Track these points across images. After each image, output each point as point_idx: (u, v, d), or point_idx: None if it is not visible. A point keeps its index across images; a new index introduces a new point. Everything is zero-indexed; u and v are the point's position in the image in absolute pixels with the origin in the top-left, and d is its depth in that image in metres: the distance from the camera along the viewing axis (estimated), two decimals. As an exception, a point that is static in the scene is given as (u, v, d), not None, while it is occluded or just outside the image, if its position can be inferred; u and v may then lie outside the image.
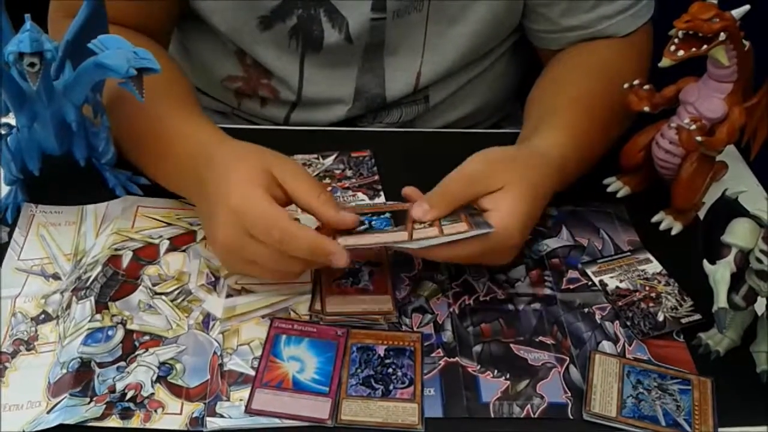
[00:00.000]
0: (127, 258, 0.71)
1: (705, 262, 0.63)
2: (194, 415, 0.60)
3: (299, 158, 0.83)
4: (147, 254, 0.71)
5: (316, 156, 0.84)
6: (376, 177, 0.82)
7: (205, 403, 0.60)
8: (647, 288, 0.71)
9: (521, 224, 0.66)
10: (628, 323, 0.68)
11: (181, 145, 0.72)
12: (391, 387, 0.62)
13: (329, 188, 0.80)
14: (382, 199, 0.79)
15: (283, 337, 0.65)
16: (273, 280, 0.68)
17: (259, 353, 0.64)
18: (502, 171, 0.67)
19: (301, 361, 0.63)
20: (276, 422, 0.60)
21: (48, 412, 0.59)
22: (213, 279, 0.70)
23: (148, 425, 0.59)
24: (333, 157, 0.84)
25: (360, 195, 0.79)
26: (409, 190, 0.70)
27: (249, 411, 0.60)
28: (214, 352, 0.64)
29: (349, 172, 0.82)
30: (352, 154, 0.84)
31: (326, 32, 0.84)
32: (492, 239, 0.64)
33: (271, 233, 0.62)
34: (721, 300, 0.61)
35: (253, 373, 0.63)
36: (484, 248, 0.65)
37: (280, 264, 0.64)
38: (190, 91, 0.80)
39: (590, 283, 0.72)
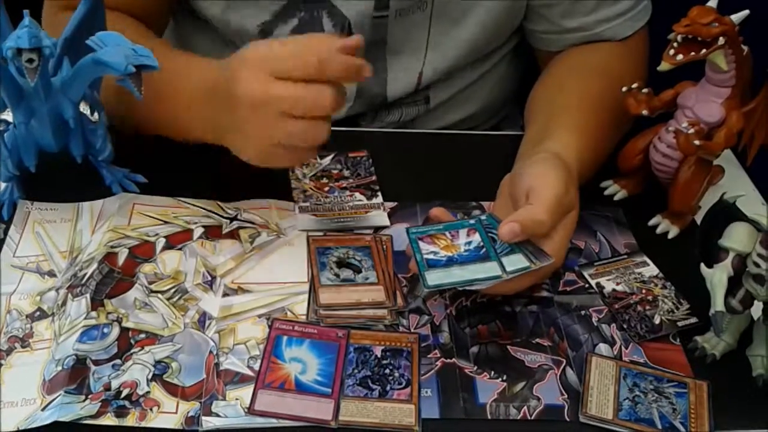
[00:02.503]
0: (123, 255, 0.70)
1: (702, 265, 0.63)
2: (190, 414, 0.59)
3: None
4: (143, 252, 0.71)
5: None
6: (374, 177, 0.81)
7: (200, 402, 0.60)
8: (644, 291, 0.71)
9: (566, 249, 0.68)
10: (625, 326, 0.68)
11: (194, 72, 0.73)
12: (388, 388, 0.62)
13: (326, 188, 0.80)
14: (379, 199, 0.79)
15: (284, 338, 0.65)
16: (307, 135, 0.66)
17: (255, 353, 0.64)
18: (573, 194, 0.68)
19: (303, 362, 0.63)
20: (273, 422, 0.59)
21: (43, 410, 0.58)
22: (209, 278, 0.70)
23: (143, 424, 0.58)
24: (330, 157, 0.84)
25: (357, 195, 0.79)
26: (437, 212, 0.69)
27: (252, 412, 0.59)
28: (210, 351, 0.64)
29: (346, 172, 0.82)
30: (349, 154, 0.84)
31: (327, 31, 0.84)
32: (546, 269, 0.65)
33: (308, 60, 0.63)
34: (718, 303, 0.62)
35: (249, 372, 0.62)
36: (537, 278, 0.67)
37: (312, 96, 0.64)
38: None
39: (587, 285, 0.72)
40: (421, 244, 0.66)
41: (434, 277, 0.63)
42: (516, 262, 0.64)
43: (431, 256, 0.65)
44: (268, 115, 0.65)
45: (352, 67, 0.65)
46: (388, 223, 0.76)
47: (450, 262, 0.65)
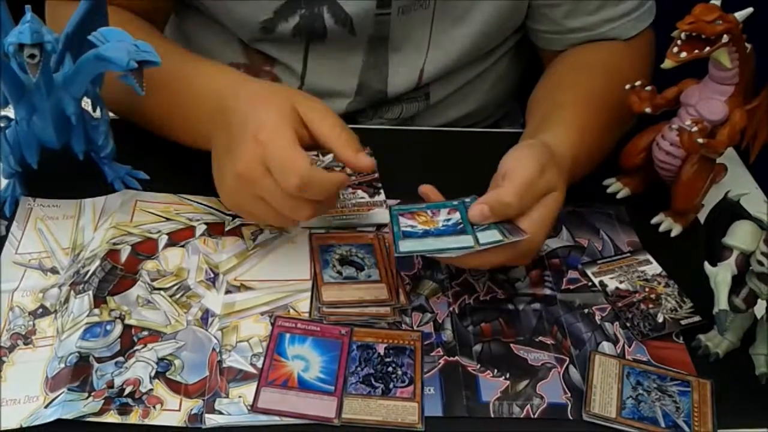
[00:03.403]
0: (125, 252, 0.70)
1: (706, 264, 0.63)
2: (193, 412, 0.59)
3: None
4: (145, 249, 0.71)
5: (315, 153, 0.83)
6: (376, 175, 0.81)
7: (203, 400, 0.60)
8: (647, 289, 0.71)
9: (548, 229, 0.67)
10: (628, 324, 0.68)
11: (202, 81, 0.72)
12: (391, 386, 0.62)
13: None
14: (381, 197, 0.79)
15: (287, 335, 0.65)
16: (274, 224, 0.67)
17: (258, 350, 0.64)
18: (551, 177, 0.67)
19: (306, 359, 0.63)
20: (275, 419, 0.59)
21: (46, 407, 0.58)
22: (212, 275, 0.70)
23: (146, 421, 0.58)
24: (332, 154, 0.83)
25: (360, 192, 0.79)
26: (426, 189, 0.69)
27: (255, 409, 0.59)
28: (213, 349, 0.64)
29: (348, 170, 0.82)
30: None
31: (329, 27, 0.84)
32: (521, 245, 0.64)
33: (290, 178, 0.62)
34: (721, 302, 0.61)
35: (252, 370, 0.62)
36: (513, 254, 0.65)
37: (289, 207, 0.64)
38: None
39: (590, 283, 0.72)
40: (401, 219, 0.67)
41: (406, 245, 0.64)
42: (490, 236, 0.64)
43: (408, 229, 0.66)
44: (248, 193, 0.65)
45: (343, 182, 0.65)
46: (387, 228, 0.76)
47: (426, 234, 0.65)
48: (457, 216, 0.66)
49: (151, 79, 0.66)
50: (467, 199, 0.68)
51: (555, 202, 0.67)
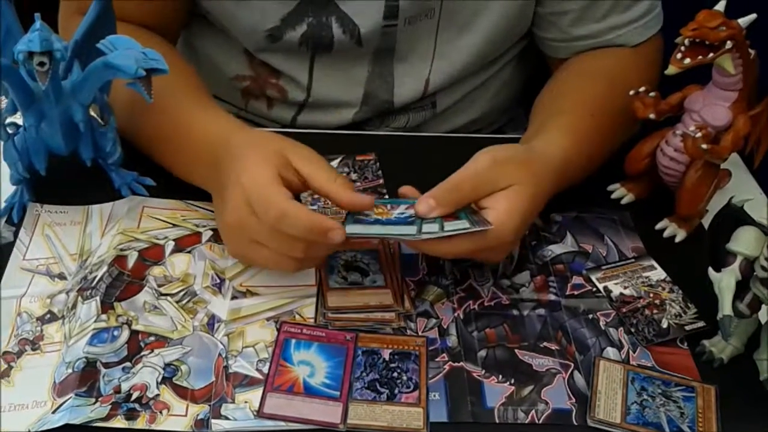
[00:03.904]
0: (132, 258, 0.71)
1: (710, 269, 0.63)
2: (199, 417, 0.60)
3: None
4: (152, 255, 0.71)
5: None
6: (381, 181, 0.82)
7: (210, 405, 0.60)
8: (651, 295, 0.71)
9: (517, 223, 0.67)
10: (632, 330, 0.68)
11: (199, 132, 0.73)
12: (396, 391, 0.62)
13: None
14: (387, 202, 0.79)
15: (293, 341, 0.65)
16: (276, 268, 0.68)
17: (264, 356, 0.64)
18: (509, 171, 0.67)
19: (311, 365, 0.64)
20: (281, 425, 0.60)
21: (53, 412, 0.59)
22: (218, 281, 0.70)
23: (153, 426, 0.59)
24: (338, 160, 0.84)
25: None
26: (406, 189, 0.70)
27: (261, 415, 0.60)
28: (219, 354, 0.64)
29: (353, 176, 0.82)
30: (357, 157, 0.84)
31: (336, 38, 0.84)
32: (488, 236, 0.65)
33: (268, 212, 0.63)
34: (725, 308, 0.62)
35: (258, 375, 0.63)
36: (479, 245, 0.66)
37: (281, 245, 0.64)
38: (204, 86, 0.81)
39: (594, 289, 0.72)
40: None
41: (352, 228, 0.64)
42: (457, 225, 0.64)
43: (361, 217, 0.66)
44: (244, 238, 0.66)
45: (316, 230, 0.64)
46: None
47: (376, 222, 0.66)
48: (412, 212, 0.67)
49: (149, 126, 0.71)
50: None
51: (518, 195, 0.67)
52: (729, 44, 0.69)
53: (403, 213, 0.67)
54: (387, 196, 0.80)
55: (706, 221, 0.75)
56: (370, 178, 0.82)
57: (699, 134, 0.72)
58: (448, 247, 0.65)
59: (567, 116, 0.78)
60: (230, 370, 0.63)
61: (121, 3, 0.71)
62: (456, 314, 0.69)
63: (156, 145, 0.77)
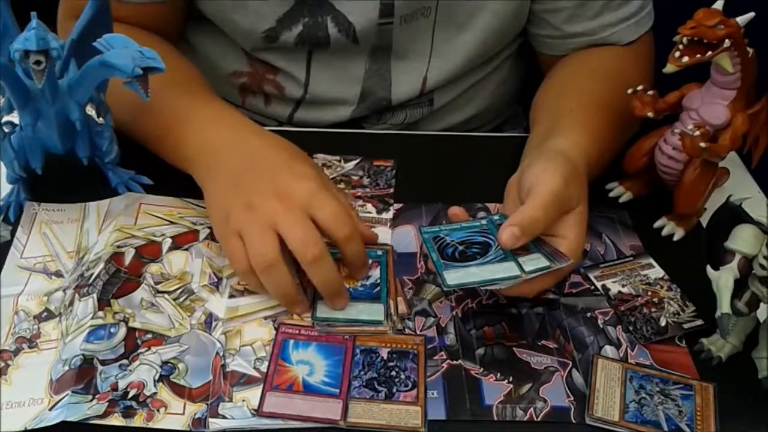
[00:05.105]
0: (129, 255, 0.70)
1: (708, 268, 0.63)
2: (197, 416, 0.59)
3: (320, 158, 0.82)
4: (149, 252, 0.71)
5: (338, 158, 0.83)
6: (392, 190, 0.79)
7: (207, 404, 0.60)
8: (649, 293, 0.71)
9: (583, 245, 0.67)
10: (631, 328, 0.68)
11: (193, 141, 0.73)
12: (394, 390, 0.62)
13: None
14: (389, 215, 0.77)
15: (291, 341, 0.65)
16: (240, 273, 0.68)
17: (261, 354, 0.64)
18: (575, 190, 0.67)
19: (310, 364, 0.63)
20: (279, 423, 0.59)
21: (50, 410, 0.59)
22: (215, 279, 0.70)
23: (150, 424, 0.59)
24: (355, 162, 0.83)
25: (369, 206, 0.78)
26: (456, 210, 0.69)
27: (261, 414, 0.60)
28: (217, 353, 0.64)
29: (366, 180, 0.81)
30: (374, 162, 0.83)
31: (332, 37, 0.84)
32: (564, 270, 0.65)
33: (258, 261, 0.64)
34: (724, 306, 0.61)
35: (256, 374, 0.62)
36: (558, 278, 0.66)
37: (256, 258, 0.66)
38: (208, 86, 0.81)
39: (593, 287, 0.72)
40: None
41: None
42: (536, 262, 0.63)
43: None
44: (230, 236, 0.67)
45: (289, 302, 0.67)
46: (389, 240, 0.74)
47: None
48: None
49: (145, 129, 0.72)
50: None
51: (582, 218, 0.67)
52: (727, 43, 0.68)
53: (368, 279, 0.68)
54: (392, 209, 0.77)
55: (705, 219, 0.75)
56: (382, 186, 0.80)
57: (697, 133, 0.72)
58: (530, 288, 0.65)
59: (579, 115, 0.77)
60: (228, 369, 0.63)
61: (117, 5, 0.71)
62: (454, 312, 0.69)
63: (162, 145, 0.77)
